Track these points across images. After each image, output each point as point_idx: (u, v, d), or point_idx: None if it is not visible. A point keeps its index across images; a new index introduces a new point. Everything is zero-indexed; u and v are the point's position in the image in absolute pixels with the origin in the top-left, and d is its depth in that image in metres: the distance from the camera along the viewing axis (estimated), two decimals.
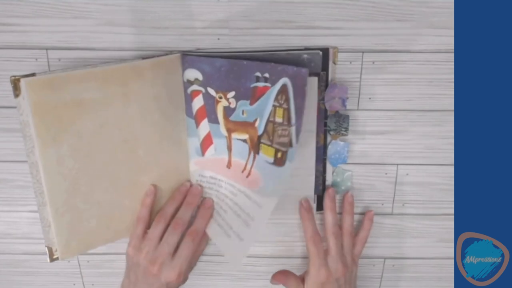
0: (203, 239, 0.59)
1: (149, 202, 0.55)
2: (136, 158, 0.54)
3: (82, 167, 0.51)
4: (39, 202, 0.51)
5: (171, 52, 0.53)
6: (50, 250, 0.53)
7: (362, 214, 0.61)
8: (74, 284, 0.66)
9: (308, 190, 0.58)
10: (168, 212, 0.56)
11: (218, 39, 0.53)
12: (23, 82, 0.45)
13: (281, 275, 0.60)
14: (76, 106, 0.49)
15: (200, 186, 0.58)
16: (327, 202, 0.58)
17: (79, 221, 0.53)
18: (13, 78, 0.46)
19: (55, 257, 0.53)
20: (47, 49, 0.53)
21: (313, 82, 0.53)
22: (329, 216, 0.58)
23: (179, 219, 0.55)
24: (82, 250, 0.55)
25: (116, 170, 0.53)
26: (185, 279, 0.57)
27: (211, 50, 0.53)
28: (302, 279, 0.59)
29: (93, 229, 0.54)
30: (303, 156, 0.56)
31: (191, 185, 0.58)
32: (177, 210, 0.56)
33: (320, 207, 0.60)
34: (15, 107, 0.53)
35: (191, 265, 0.58)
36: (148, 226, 0.56)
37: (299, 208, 0.59)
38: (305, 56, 0.52)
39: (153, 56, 0.52)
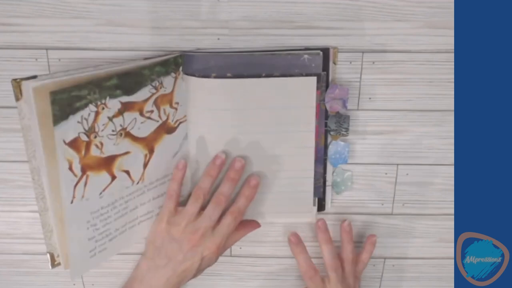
0: (245, 229, 0.58)
1: (180, 176, 0.54)
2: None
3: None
4: (40, 208, 0.50)
5: (171, 52, 0.53)
6: (52, 256, 0.52)
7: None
8: (74, 284, 0.66)
9: (307, 192, 0.58)
10: (205, 188, 0.53)
11: (218, 39, 0.53)
12: (25, 86, 0.44)
13: None
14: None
15: (242, 159, 0.54)
16: (320, 236, 0.58)
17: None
18: (14, 81, 0.44)
19: (56, 262, 0.53)
20: (47, 49, 0.53)
21: (311, 82, 0.53)
22: (325, 250, 0.57)
23: (221, 195, 0.53)
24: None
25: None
26: (217, 259, 0.56)
27: (211, 50, 0.53)
28: None
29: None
30: (302, 157, 0.56)
31: (226, 158, 0.54)
32: (213, 185, 0.54)
33: (319, 208, 0.60)
34: (15, 107, 0.53)
35: (226, 245, 0.56)
36: (178, 202, 0.55)
37: (288, 243, 0.59)
38: (306, 56, 0.52)
39: (153, 57, 0.52)
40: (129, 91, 0.48)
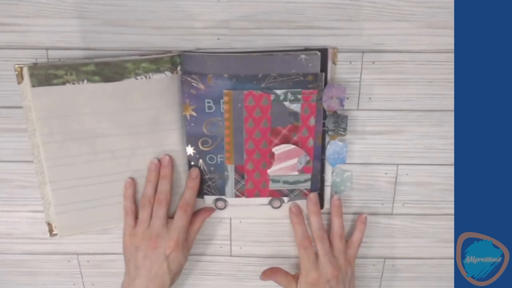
0: (200, 216, 0.59)
1: (130, 193, 0.57)
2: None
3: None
4: (40, 181, 0.54)
5: (171, 52, 0.53)
6: (50, 225, 0.56)
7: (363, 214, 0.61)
8: (74, 284, 0.66)
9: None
10: (149, 193, 0.56)
11: (218, 39, 0.53)
12: (25, 71, 0.50)
13: (270, 272, 0.61)
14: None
15: (169, 155, 0.57)
16: (310, 207, 0.58)
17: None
18: (17, 66, 0.50)
19: (54, 232, 0.57)
20: (47, 49, 0.54)
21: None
22: (313, 220, 0.58)
23: (160, 194, 0.56)
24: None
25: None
26: (184, 256, 0.57)
27: (211, 50, 0.54)
28: (293, 276, 0.60)
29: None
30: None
31: (159, 160, 0.57)
32: (155, 188, 0.57)
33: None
34: (15, 107, 0.54)
35: (188, 239, 0.58)
36: (136, 216, 0.57)
37: (289, 213, 0.60)
38: (303, 56, 0.52)
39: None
40: (107, 79, 0.52)
